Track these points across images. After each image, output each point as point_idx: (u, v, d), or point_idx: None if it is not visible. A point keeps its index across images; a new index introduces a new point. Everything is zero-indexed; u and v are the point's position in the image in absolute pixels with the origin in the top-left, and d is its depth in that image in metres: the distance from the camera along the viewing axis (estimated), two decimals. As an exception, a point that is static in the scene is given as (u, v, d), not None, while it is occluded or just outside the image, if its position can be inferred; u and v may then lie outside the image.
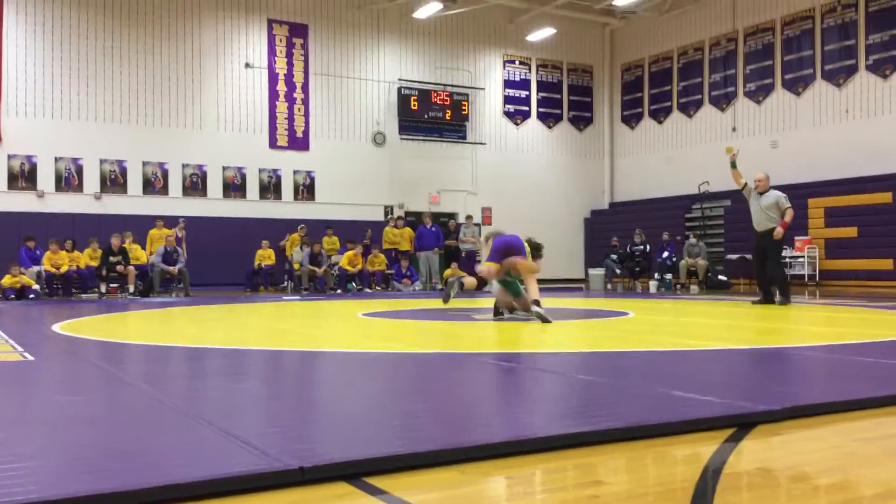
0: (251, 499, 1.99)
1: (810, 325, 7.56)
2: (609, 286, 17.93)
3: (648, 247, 18.03)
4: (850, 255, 16.47)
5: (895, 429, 2.89)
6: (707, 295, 14.85)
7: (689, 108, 21.52)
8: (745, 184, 10.51)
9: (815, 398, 3.12)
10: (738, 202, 19.32)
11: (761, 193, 10.36)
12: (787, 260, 17.39)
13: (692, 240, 17.73)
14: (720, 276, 17.31)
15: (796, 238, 17.34)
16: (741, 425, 2.78)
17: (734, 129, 20.14)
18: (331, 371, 4.56)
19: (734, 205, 19.44)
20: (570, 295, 14.65)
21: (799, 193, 17.61)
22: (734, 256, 18.22)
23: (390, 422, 2.89)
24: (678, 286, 17.09)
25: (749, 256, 17.84)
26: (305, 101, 19.63)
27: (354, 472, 2.18)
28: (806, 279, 16.91)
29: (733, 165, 10.57)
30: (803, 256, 17.07)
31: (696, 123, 21.31)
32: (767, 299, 10.22)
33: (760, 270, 10.51)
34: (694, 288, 16.98)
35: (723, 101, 20.51)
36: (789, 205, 10.24)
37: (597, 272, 18.74)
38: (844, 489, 2.10)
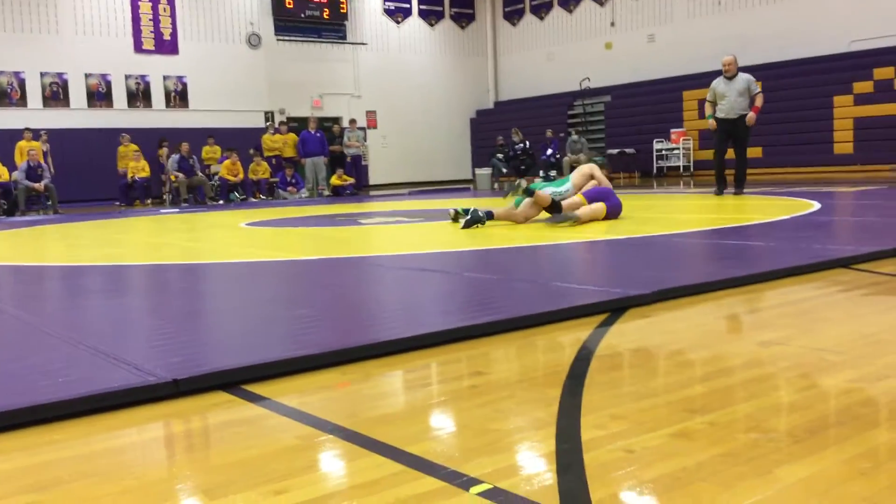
0: (122, 414, 1.93)
1: (684, 212, 7.88)
2: (496, 185, 18.13)
3: (528, 144, 18.22)
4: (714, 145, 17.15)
5: (753, 305, 3.07)
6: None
7: (569, 4, 21.51)
8: (712, 104, 9.84)
9: (681, 281, 3.27)
10: (618, 97, 19.76)
11: (730, 78, 9.68)
12: (664, 152, 18.03)
13: (574, 136, 18.05)
14: (601, 171, 17.77)
15: (672, 130, 17.92)
16: (614, 310, 2.89)
17: (613, 24, 20.33)
18: (211, 283, 4.44)
19: (614, 100, 19.85)
20: (457, 195, 14.73)
21: (674, 86, 18.13)
22: (614, 151, 18.73)
23: (273, 329, 2.84)
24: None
25: (629, 150, 18.45)
26: (171, 1, 18.43)
27: (232, 381, 2.14)
28: (681, 170, 17.59)
29: (709, 117, 9.92)
30: (678, 148, 17.70)
31: (576, 19, 21.36)
32: (723, 188, 9.82)
33: (722, 160, 9.90)
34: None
35: (602, -4, 20.58)
36: (760, 90, 9.75)
37: (483, 172, 18.89)
38: (708, 363, 2.22)
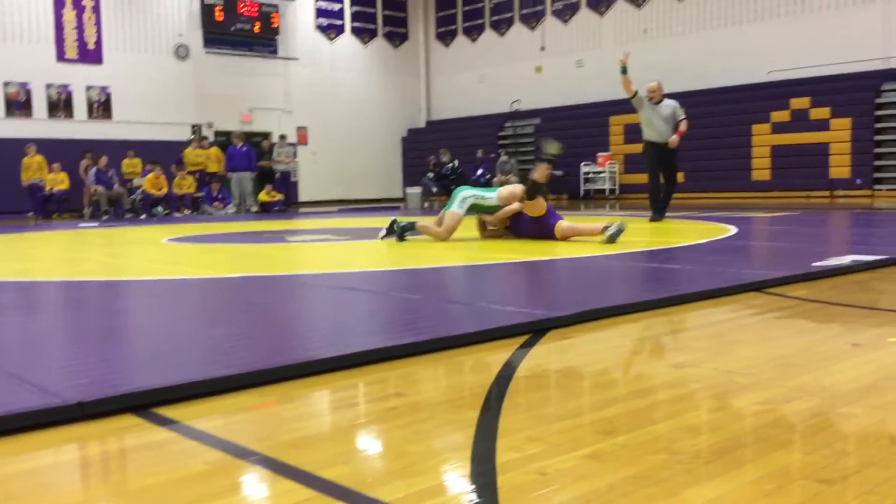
0: (25, 438, 1.85)
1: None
2: (426, 204, 18.19)
3: (458, 164, 18.35)
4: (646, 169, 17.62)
5: (669, 327, 3.14)
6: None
7: (500, 26, 21.83)
8: (636, 92, 9.66)
9: (601, 303, 3.32)
10: (548, 120, 20.10)
11: (657, 104, 9.64)
12: (591, 175, 18.39)
13: (504, 157, 18.27)
14: (530, 192, 18.01)
15: (599, 154, 18.31)
16: (536, 331, 2.92)
17: (543, 48, 20.70)
18: (128, 301, 4.31)
19: (544, 123, 20.19)
20: (388, 214, 14.72)
21: (602, 111, 18.56)
22: (543, 172, 19.01)
23: (189, 349, 2.77)
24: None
25: (559, 173, 18.76)
26: (96, 9, 17.97)
27: (143, 404, 2.07)
28: (607, 193, 17.97)
29: (624, 71, 9.65)
30: (605, 172, 18.08)
31: (507, 41, 21.68)
32: (660, 214, 9.58)
33: (657, 185, 9.74)
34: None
35: (532, 20, 20.96)
36: (684, 115, 9.69)
37: (414, 191, 18.94)
38: (623, 385, 2.26)
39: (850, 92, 15.21)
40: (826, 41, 15.77)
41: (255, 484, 1.57)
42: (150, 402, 2.08)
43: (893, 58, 15.02)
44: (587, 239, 6.59)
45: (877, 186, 14.98)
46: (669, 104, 9.66)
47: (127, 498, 1.50)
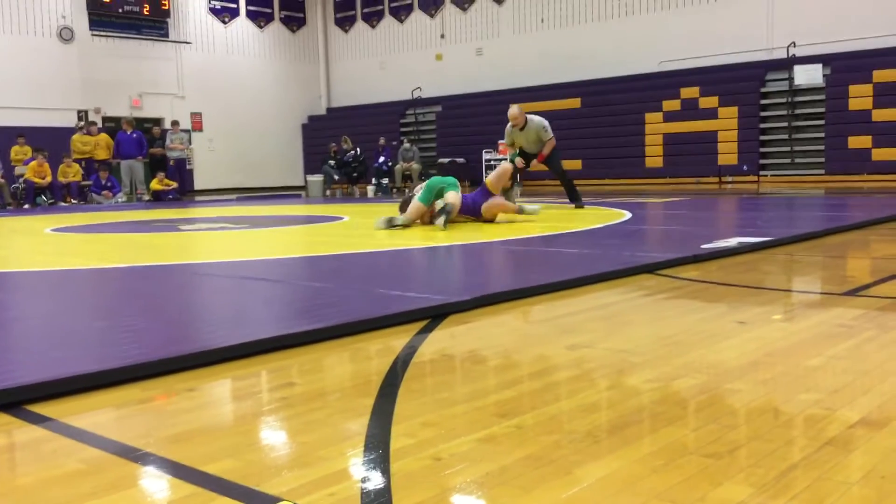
0: None
1: (509, 219, 8.10)
2: (328, 192, 17.96)
3: (359, 151, 18.17)
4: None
5: (565, 309, 3.18)
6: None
7: (400, 13, 21.70)
8: (510, 145, 9.69)
9: (500, 287, 3.34)
10: (449, 108, 20.15)
11: (522, 129, 9.44)
12: (492, 163, 18.56)
13: (406, 144, 18.21)
14: (432, 180, 18.02)
15: (500, 142, 18.48)
16: (435, 316, 2.90)
17: (443, 36, 20.71)
18: (7, 294, 4.05)
19: (445, 111, 20.22)
20: (289, 202, 14.45)
21: (502, 99, 18.69)
22: (445, 160, 19.06)
23: (68, 343, 2.62)
24: (394, 190, 17.56)
25: (459, 160, 18.87)
26: (-30, -12, 16.86)
27: (15, 401, 1.94)
28: (508, 180, 18.17)
29: (512, 160, 9.38)
30: (506, 159, 18.25)
31: (407, 29, 21.58)
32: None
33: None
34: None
35: (431, 7, 20.92)
36: (551, 134, 9.44)
37: (315, 178, 18.64)
38: (518, 367, 2.26)
39: (736, 81, 15.85)
40: (714, 33, 16.37)
41: (132, 482, 1.48)
42: (24, 399, 1.95)
43: (777, 49, 15.73)
44: (503, 219, 7.34)
45: (762, 172, 15.69)
46: (533, 126, 9.46)
47: (-10, 504, 1.39)
